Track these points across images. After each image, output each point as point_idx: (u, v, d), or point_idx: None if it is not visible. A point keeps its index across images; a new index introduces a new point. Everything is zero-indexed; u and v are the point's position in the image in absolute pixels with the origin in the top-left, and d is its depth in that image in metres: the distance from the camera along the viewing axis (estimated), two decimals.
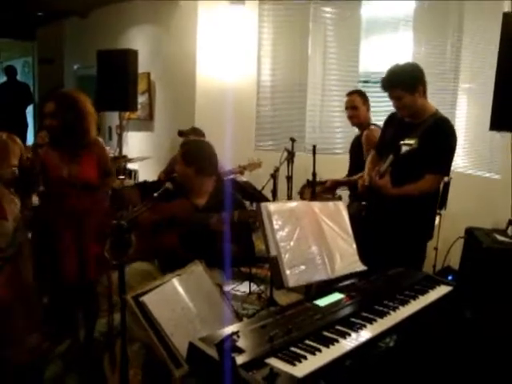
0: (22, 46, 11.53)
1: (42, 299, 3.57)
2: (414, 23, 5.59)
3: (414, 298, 2.38)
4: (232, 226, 2.98)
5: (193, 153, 3.38)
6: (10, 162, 3.18)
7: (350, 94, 4.67)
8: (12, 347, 3.11)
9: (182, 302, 2.32)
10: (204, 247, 3.06)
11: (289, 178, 5.02)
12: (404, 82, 3.16)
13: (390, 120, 3.49)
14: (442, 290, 2.51)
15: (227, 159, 5.58)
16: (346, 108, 4.61)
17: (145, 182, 5.56)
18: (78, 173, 3.36)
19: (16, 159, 3.22)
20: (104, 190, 3.65)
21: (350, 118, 4.60)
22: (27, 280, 3.26)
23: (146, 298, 2.20)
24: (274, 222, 2.36)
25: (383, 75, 3.27)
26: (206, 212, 3.17)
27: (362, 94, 4.59)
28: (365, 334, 2.00)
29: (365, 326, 2.05)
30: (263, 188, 5.16)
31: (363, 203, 3.55)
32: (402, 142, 3.12)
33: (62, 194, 3.36)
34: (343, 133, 6.25)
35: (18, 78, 11.23)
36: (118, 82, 6.01)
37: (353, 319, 2.10)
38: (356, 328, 2.02)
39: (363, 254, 2.65)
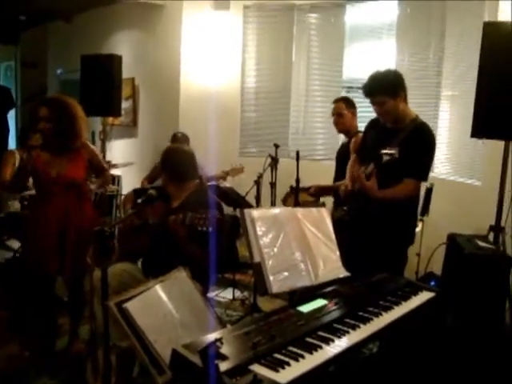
0: (5, 50, 11.42)
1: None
2: (397, 30, 5.63)
3: (397, 304, 2.39)
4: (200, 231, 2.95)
5: (166, 159, 3.45)
6: None
7: (336, 100, 4.67)
8: None
9: (165, 309, 2.32)
10: (168, 249, 3.11)
11: (272, 185, 5.03)
12: (386, 87, 3.20)
13: (372, 125, 3.53)
14: (424, 296, 2.53)
15: (211, 164, 5.59)
16: (332, 114, 4.62)
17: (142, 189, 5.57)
18: (67, 172, 3.50)
19: None
20: (105, 184, 3.97)
21: (336, 124, 4.61)
22: None
23: (129, 305, 2.19)
24: (258, 229, 2.36)
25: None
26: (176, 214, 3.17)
27: (348, 101, 4.60)
28: (348, 340, 2.01)
29: (348, 332, 2.06)
30: (247, 194, 5.17)
31: (345, 208, 3.57)
32: (383, 152, 3.15)
33: (51, 194, 3.50)
34: (327, 139, 6.29)
35: (1, 82, 11.16)
36: (102, 87, 5.98)
37: (336, 325, 2.11)
38: (339, 334, 2.03)
39: (346, 258, 2.67)
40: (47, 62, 9.96)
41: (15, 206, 4.91)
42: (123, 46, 7.44)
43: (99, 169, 3.80)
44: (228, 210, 4.89)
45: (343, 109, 4.54)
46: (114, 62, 6.12)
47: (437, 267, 4.04)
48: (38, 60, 10.16)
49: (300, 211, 2.61)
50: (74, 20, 8.82)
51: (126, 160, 6.88)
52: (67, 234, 3.50)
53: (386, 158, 3.14)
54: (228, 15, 6.56)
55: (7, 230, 4.94)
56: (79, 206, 3.61)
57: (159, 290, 2.36)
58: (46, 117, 3.43)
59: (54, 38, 9.70)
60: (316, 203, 4.71)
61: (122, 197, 6.02)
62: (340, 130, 4.69)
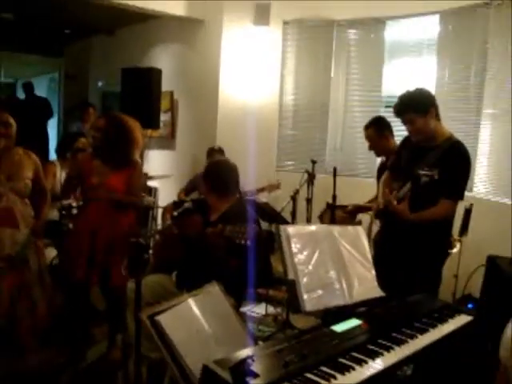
0: (50, 63, 11.74)
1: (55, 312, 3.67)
2: (438, 47, 5.57)
3: (433, 326, 2.34)
4: (239, 244, 2.94)
5: (210, 170, 3.48)
6: (24, 175, 3.52)
7: (366, 127, 4.60)
8: (22, 358, 3.20)
9: (198, 323, 2.30)
10: (204, 262, 3.12)
11: (308, 200, 5.00)
12: (415, 104, 3.19)
13: (405, 143, 3.50)
14: (461, 320, 2.46)
15: (248, 179, 5.59)
16: (366, 140, 4.58)
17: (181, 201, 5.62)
18: (108, 182, 3.65)
19: (30, 172, 3.56)
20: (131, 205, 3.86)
21: (370, 149, 4.58)
22: (34, 293, 3.45)
23: (161, 318, 2.18)
24: (293, 245, 2.34)
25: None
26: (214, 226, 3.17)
27: (378, 126, 4.48)
28: (382, 362, 1.96)
29: (382, 354, 2.01)
30: (282, 210, 5.14)
31: (377, 226, 3.54)
32: (422, 172, 3.13)
33: (89, 201, 3.68)
34: (364, 155, 6.21)
35: (45, 93, 11.46)
36: (141, 100, 6.06)
37: (370, 346, 2.07)
38: (373, 355, 1.98)
39: (379, 277, 2.63)
40: (89, 74, 10.16)
41: (54, 214, 4.97)
42: (163, 59, 7.54)
43: (132, 190, 3.79)
44: (263, 224, 4.88)
45: (374, 135, 4.48)
46: (154, 75, 6.21)
47: (475, 290, 3.95)
48: (79, 72, 10.39)
49: (336, 229, 2.58)
50: (116, 34, 8.99)
51: (164, 172, 6.94)
52: (96, 244, 3.53)
53: (424, 179, 3.12)
54: (267, 30, 6.59)
55: (46, 239, 5.01)
56: (114, 217, 3.67)
57: (192, 304, 2.35)
58: (100, 127, 3.67)
59: (96, 51, 9.91)
60: (352, 221, 4.67)
61: (159, 209, 6.07)
62: (378, 154, 4.64)
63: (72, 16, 8.20)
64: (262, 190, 5.44)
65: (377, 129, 4.48)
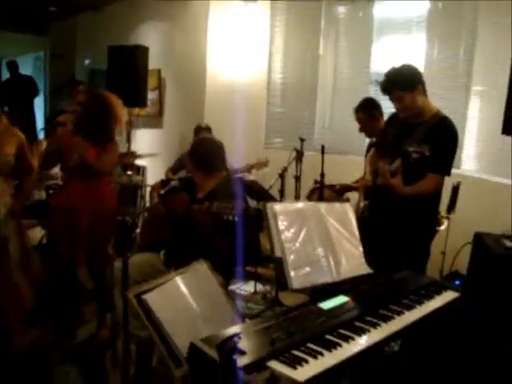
0: (35, 41, 11.58)
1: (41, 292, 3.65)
2: (428, 24, 5.52)
3: (420, 302, 2.34)
4: (226, 222, 2.93)
5: (196, 148, 3.45)
6: (4, 151, 3.44)
7: (356, 110, 4.60)
8: (10, 339, 3.18)
9: (185, 301, 2.30)
10: (191, 240, 3.10)
11: (297, 178, 4.99)
12: (401, 82, 3.18)
13: (391, 120, 3.50)
14: (448, 296, 2.48)
15: (236, 157, 5.56)
16: (356, 122, 4.59)
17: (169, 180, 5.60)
18: (84, 156, 3.59)
19: (12, 149, 3.48)
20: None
21: (361, 131, 4.59)
22: (15, 274, 3.42)
23: (148, 297, 2.18)
24: (280, 223, 2.33)
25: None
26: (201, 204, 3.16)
27: (367, 109, 4.50)
28: (368, 339, 1.97)
29: (369, 331, 2.01)
30: (270, 187, 5.14)
31: (365, 203, 3.54)
32: (412, 149, 3.13)
33: (71, 178, 3.66)
34: (353, 133, 6.17)
35: (30, 72, 11.31)
36: (128, 78, 5.99)
37: (357, 323, 2.07)
38: (360, 332, 1.99)
39: (367, 254, 2.63)
40: (75, 52, 10.03)
41: (42, 195, 4.95)
42: (150, 37, 7.45)
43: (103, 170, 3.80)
44: (252, 203, 4.87)
45: (364, 118, 4.49)
46: (141, 52, 6.13)
47: (462, 266, 3.96)
48: (66, 51, 10.25)
49: (323, 206, 2.58)
50: (102, 11, 8.86)
51: (151, 150, 6.90)
52: (82, 222, 3.56)
53: (414, 155, 3.12)
54: (255, 7, 6.51)
55: (33, 219, 4.98)
56: (95, 194, 3.66)
57: (179, 282, 2.34)
58: (80, 101, 3.68)
59: (82, 29, 9.78)
60: (341, 199, 4.67)
61: (147, 187, 6.05)
62: (368, 136, 4.64)
63: None
64: (250, 167, 5.41)
65: (367, 112, 4.48)
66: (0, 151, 3.43)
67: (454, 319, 2.57)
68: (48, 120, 5.30)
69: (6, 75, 10.11)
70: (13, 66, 9.60)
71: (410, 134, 3.20)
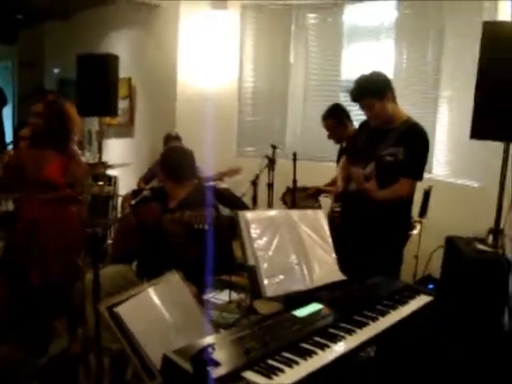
0: (2, 50, 11.38)
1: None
2: (396, 31, 5.60)
3: (394, 308, 2.34)
4: (198, 230, 2.91)
5: (166, 157, 3.44)
6: None
7: (323, 118, 4.67)
8: None
9: (157, 313, 2.27)
10: (163, 250, 3.08)
11: (269, 186, 4.99)
12: (371, 89, 3.20)
13: (362, 127, 3.53)
14: (422, 300, 2.48)
15: (208, 165, 5.52)
16: (325, 128, 4.64)
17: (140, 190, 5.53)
18: (44, 172, 3.50)
19: None
20: (78, 193, 3.78)
21: (329, 138, 4.68)
22: None
23: (120, 309, 2.14)
24: (252, 231, 2.31)
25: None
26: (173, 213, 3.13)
27: (334, 116, 4.58)
28: (344, 346, 1.95)
29: (344, 338, 2.00)
30: (243, 195, 5.13)
31: (337, 209, 3.56)
32: (385, 153, 3.15)
33: (27, 193, 3.52)
34: (324, 140, 6.20)
35: None
36: (99, 87, 5.88)
37: (332, 330, 2.06)
38: (335, 339, 1.97)
39: (341, 261, 2.63)
40: (44, 61, 9.90)
41: (9, 206, 4.84)
42: (120, 45, 7.40)
43: (75, 177, 3.72)
44: (225, 211, 4.85)
45: (332, 125, 4.57)
46: (111, 61, 6.03)
47: (435, 270, 4.00)
48: (35, 59, 10.10)
49: (296, 213, 2.57)
50: (71, 19, 8.78)
51: (123, 160, 6.83)
52: (47, 237, 3.48)
53: (388, 158, 3.14)
54: (225, 15, 6.51)
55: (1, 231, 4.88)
56: (59, 209, 3.58)
57: (151, 294, 2.31)
58: (40, 112, 3.51)
59: (50, 37, 9.66)
60: (314, 203, 4.69)
61: (119, 198, 5.98)
62: (338, 142, 4.70)
63: (25, 1, 7.95)
64: (222, 175, 5.39)
65: (335, 118, 4.54)
66: None
67: (427, 323, 2.59)
68: (16, 130, 5.20)
69: None
70: None
71: (381, 140, 3.22)
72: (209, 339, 1.87)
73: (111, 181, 6.98)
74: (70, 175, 3.62)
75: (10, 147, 5.12)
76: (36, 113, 3.52)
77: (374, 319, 2.20)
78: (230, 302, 4.74)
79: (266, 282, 2.24)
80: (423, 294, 2.54)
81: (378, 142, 3.23)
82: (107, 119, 7.08)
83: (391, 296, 2.47)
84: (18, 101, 10.60)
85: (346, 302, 2.34)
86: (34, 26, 9.87)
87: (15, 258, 3.53)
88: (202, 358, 1.65)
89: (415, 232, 3.98)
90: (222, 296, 4.82)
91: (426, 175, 3.38)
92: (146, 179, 5.68)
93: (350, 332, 2.05)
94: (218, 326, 4.21)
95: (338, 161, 4.64)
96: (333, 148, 5.48)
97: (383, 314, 2.26)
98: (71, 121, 3.62)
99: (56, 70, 9.52)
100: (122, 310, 2.15)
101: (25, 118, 4.11)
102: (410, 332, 2.40)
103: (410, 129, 3.21)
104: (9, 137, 9.43)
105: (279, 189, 4.96)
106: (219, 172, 5.35)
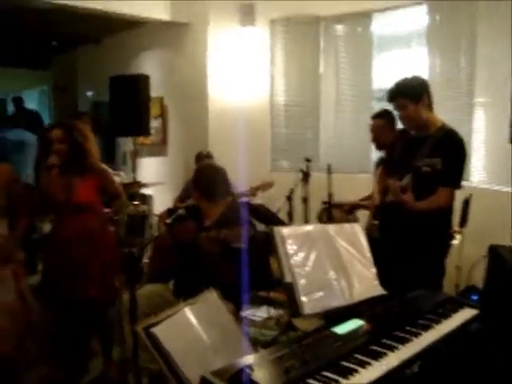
0: (39, 75, 11.68)
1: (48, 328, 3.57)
2: (428, 38, 5.51)
3: (437, 322, 2.26)
4: (234, 248, 2.89)
5: (198, 177, 3.43)
6: None
7: (374, 116, 4.45)
8: (18, 376, 3.11)
9: (194, 332, 2.24)
10: (200, 269, 3.06)
11: (305, 200, 4.94)
12: (408, 91, 3.17)
13: (398, 137, 3.46)
14: (466, 314, 2.39)
15: (242, 181, 5.52)
16: (371, 131, 4.42)
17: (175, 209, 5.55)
18: (77, 196, 3.50)
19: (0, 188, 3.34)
20: (120, 210, 3.88)
21: (374, 141, 4.41)
22: (13, 308, 3.29)
23: (156, 330, 2.12)
24: (288, 247, 2.27)
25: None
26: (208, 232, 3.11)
27: (387, 118, 4.32)
28: (386, 363, 1.89)
29: (386, 355, 1.94)
30: (278, 211, 5.07)
31: (375, 222, 3.49)
32: (421, 163, 3.10)
33: (62, 218, 3.57)
34: (359, 151, 6.15)
35: (36, 106, 11.39)
36: (131, 108, 5.97)
37: (373, 347, 2.00)
38: (377, 357, 1.91)
39: (381, 275, 2.57)
40: (78, 85, 10.09)
41: (47, 228, 4.90)
42: (151, 65, 7.48)
43: (112, 192, 3.76)
44: (260, 226, 4.81)
45: (383, 126, 4.32)
46: (142, 81, 6.12)
47: (478, 280, 3.88)
48: (68, 83, 10.31)
49: (332, 228, 2.52)
50: (103, 43, 8.92)
51: (157, 179, 6.88)
52: (82, 258, 3.49)
53: (425, 169, 3.08)
54: (254, 30, 6.53)
55: (40, 253, 4.94)
56: (95, 229, 3.59)
57: (188, 313, 2.28)
58: (60, 138, 3.49)
59: (83, 61, 9.84)
60: (350, 218, 4.61)
61: (155, 217, 5.99)
62: (379, 147, 4.44)
63: (58, 27, 8.13)
64: (255, 189, 5.37)
65: (386, 120, 4.33)
66: None
67: (471, 334, 2.49)
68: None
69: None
70: (18, 102, 9.67)
71: (417, 149, 3.16)
72: (247, 359, 1.84)
73: (146, 200, 7.02)
74: (106, 192, 3.66)
75: None
76: (58, 139, 3.50)
77: (417, 335, 2.13)
78: (269, 318, 4.69)
79: (304, 299, 2.19)
80: (467, 307, 2.46)
81: (414, 152, 3.17)
82: (140, 139, 7.14)
83: (434, 309, 2.40)
84: None
85: (387, 317, 2.28)
86: (67, 51, 10.10)
87: (52, 279, 3.55)
88: (240, 379, 1.62)
89: (456, 242, 3.87)
90: (261, 312, 4.77)
91: (464, 183, 3.29)
92: (181, 199, 5.69)
93: (392, 349, 1.99)
94: (256, 344, 4.16)
95: (374, 172, 4.54)
96: (367, 158, 5.43)
97: (426, 328, 2.19)
98: (89, 140, 3.62)
99: (89, 93, 9.69)
100: (158, 331, 2.13)
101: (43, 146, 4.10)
102: (455, 345, 2.32)
103: (445, 135, 3.15)
104: None
105: (314, 203, 4.91)
106: (252, 187, 5.33)
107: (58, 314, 3.56)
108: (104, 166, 3.77)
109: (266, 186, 5.36)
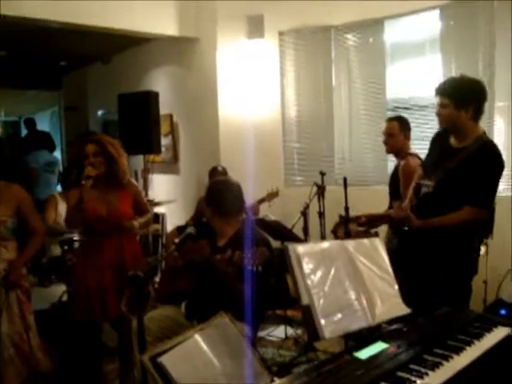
0: (49, 96, 11.68)
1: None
2: (441, 44, 5.35)
3: (469, 343, 2.08)
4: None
5: (212, 193, 3.26)
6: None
7: (389, 119, 4.41)
8: None
9: (206, 359, 2.10)
10: (213, 290, 2.93)
11: (320, 214, 4.79)
12: (454, 92, 2.97)
13: (436, 139, 3.28)
14: (500, 333, 2.21)
15: (257, 197, 5.39)
16: (383, 134, 4.35)
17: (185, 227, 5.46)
18: (117, 210, 3.48)
19: (7, 209, 3.35)
20: (143, 228, 3.83)
21: (386, 144, 4.33)
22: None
23: (164, 359, 1.98)
24: (305, 266, 2.11)
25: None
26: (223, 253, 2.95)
27: (402, 122, 4.30)
28: None
29: (415, 382, 1.77)
30: (293, 226, 4.91)
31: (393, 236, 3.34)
32: (422, 182, 3.00)
33: (102, 233, 3.47)
34: (375, 162, 5.98)
35: (48, 127, 11.40)
36: (140, 125, 5.91)
37: (400, 374, 1.83)
38: None
39: (404, 293, 2.39)
40: (88, 104, 10.07)
41: (56, 250, 4.81)
42: (160, 82, 7.39)
43: (142, 208, 3.73)
44: (275, 243, 4.66)
45: (395, 129, 4.25)
46: (151, 98, 6.06)
47: (506, 294, 3.69)
48: (79, 103, 10.30)
49: (351, 243, 2.35)
50: (112, 61, 8.88)
51: (169, 197, 6.76)
52: (116, 281, 3.41)
53: (424, 189, 2.98)
54: (263, 43, 6.40)
55: (51, 275, 4.84)
56: (131, 245, 3.59)
57: (199, 339, 2.15)
58: (95, 152, 3.43)
59: (92, 80, 9.82)
60: (369, 233, 4.42)
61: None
62: (389, 151, 4.39)
63: (66, 47, 8.11)
64: (261, 201, 5.28)
65: (400, 123, 4.26)
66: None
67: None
68: (64, 174, 5.23)
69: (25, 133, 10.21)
70: (30, 124, 9.67)
71: (450, 158, 2.99)
72: None
73: (159, 218, 6.90)
74: (138, 209, 3.65)
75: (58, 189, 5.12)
76: (92, 153, 3.42)
77: (448, 358, 1.95)
78: (287, 338, 4.53)
79: (322, 322, 2.02)
80: (500, 326, 2.28)
81: (447, 160, 2.99)
82: (151, 157, 7.05)
83: (464, 329, 2.22)
84: (65, 145, 10.81)
85: (414, 338, 2.11)
86: (76, 70, 10.10)
87: (82, 303, 3.45)
88: None
89: (481, 253, 3.68)
90: (278, 332, 4.62)
91: None
92: (194, 220, 5.56)
93: (421, 375, 1.81)
94: (275, 365, 4.01)
95: (390, 183, 4.39)
96: (383, 170, 5.26)
97: (458, 351, 2.01)
98: (122, 155, 3.56)
99: (100, 112, 9.65)
100: (166, 360, 1.99)
101: (70, 162, 4.05)
102: (490, 371, 2.13)
103: (480, 148, 2.94)
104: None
105: (331, 217, 4.73)
106: (257, 200, 5.24)
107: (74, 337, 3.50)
108: (134, 181, 3.77)
109: (272, 195, 5.26)
